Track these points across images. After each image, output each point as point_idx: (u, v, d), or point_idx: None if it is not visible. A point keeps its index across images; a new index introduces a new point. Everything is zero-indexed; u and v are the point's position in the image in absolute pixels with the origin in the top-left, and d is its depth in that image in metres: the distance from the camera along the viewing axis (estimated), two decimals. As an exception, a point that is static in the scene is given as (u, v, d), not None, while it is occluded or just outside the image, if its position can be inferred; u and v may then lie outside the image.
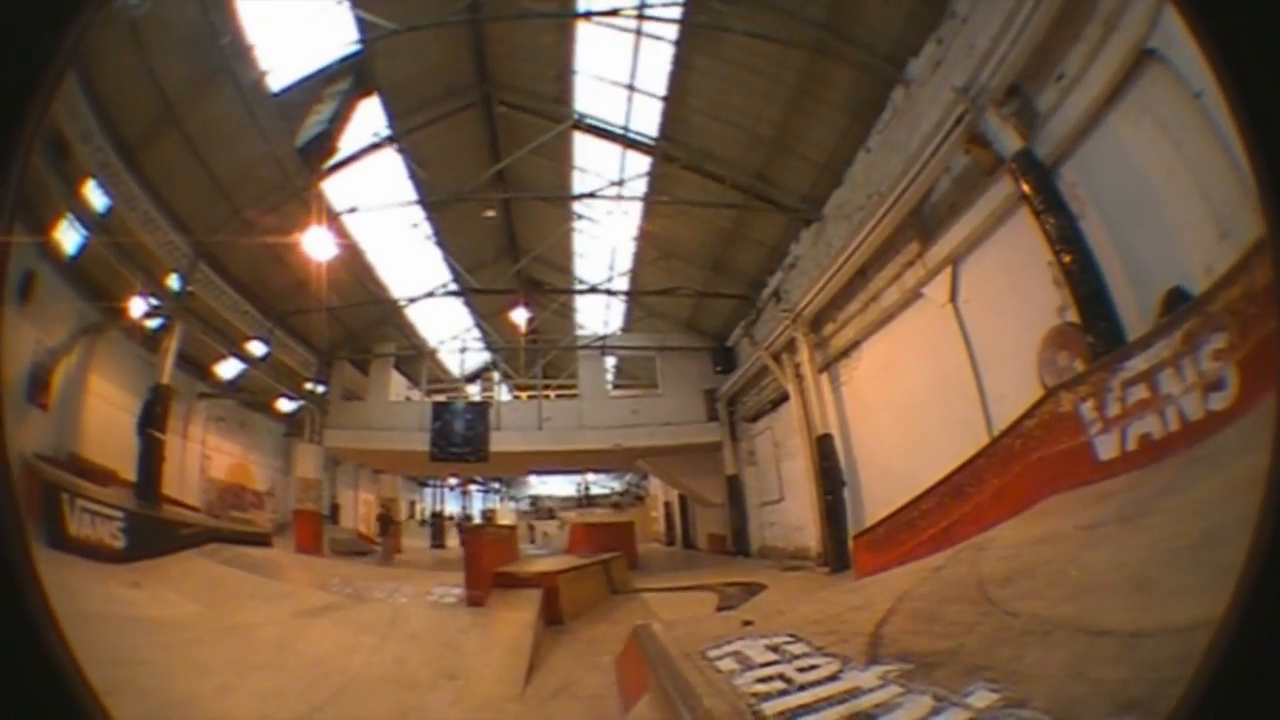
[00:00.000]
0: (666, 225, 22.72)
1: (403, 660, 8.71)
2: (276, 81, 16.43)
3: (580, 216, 25.48)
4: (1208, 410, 5.97)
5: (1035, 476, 8.36)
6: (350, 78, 17.91)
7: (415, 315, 28.92)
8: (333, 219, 19.08)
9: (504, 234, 28.80)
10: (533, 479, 54.85)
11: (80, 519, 11.40)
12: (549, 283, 31.03)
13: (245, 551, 16.25)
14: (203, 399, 21.32)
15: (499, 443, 26.40)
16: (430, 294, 26.72)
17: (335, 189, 19.90)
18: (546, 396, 29.92)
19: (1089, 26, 8.89)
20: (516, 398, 32.20)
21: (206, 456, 21.34)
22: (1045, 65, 9.74)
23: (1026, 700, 3.64)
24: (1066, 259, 9.19)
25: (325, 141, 18.12)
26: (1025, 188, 9.83)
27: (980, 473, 9.66)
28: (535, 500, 59.23)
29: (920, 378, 13.97)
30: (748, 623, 7.29)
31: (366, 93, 18.68)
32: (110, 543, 12.03)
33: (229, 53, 14.82)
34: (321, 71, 17.30)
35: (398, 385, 29.09)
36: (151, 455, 16.22)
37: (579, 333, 31.79)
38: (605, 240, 25.80)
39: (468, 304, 30.35)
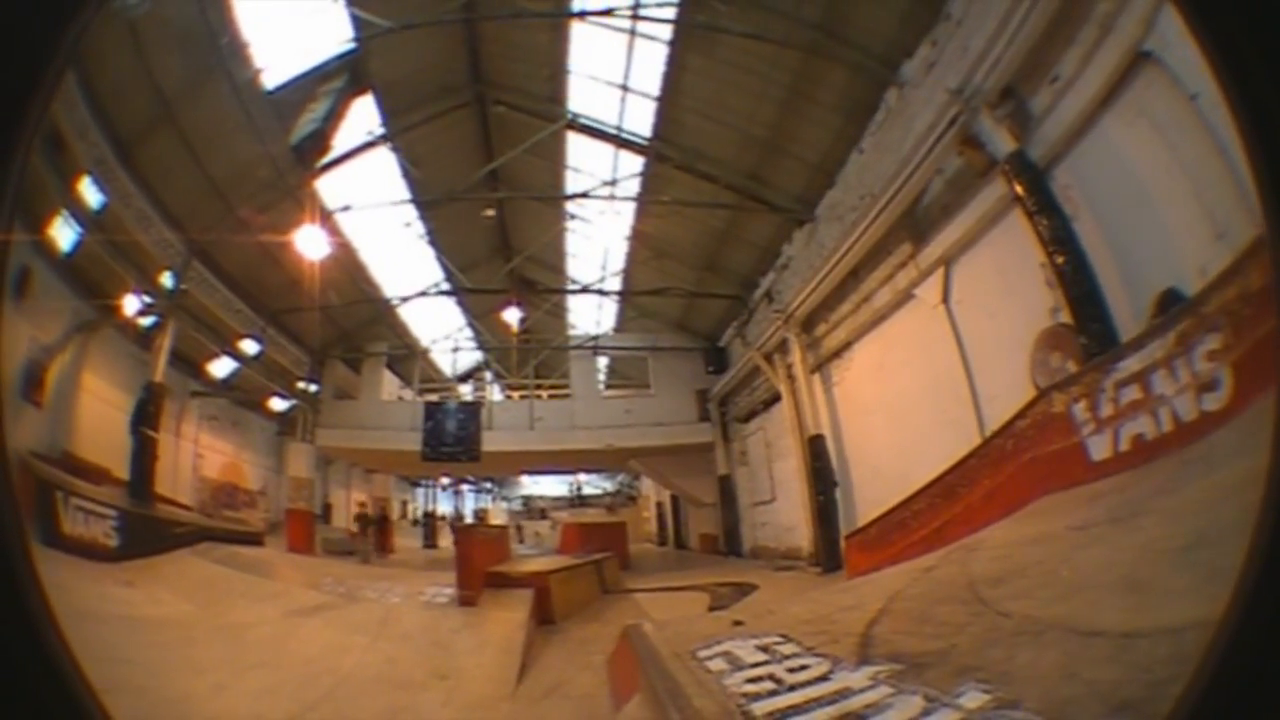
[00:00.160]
0: (659, 225, 22.69)
1: (395, 660, 8.70)
2: (271, 79, 16.40)
3: (573, 216, 25.46)
4: (1201, 411, 5.99)
5: (1027, 477, 8.38)
6: (345, 76, 17.86)
7: (408, 314, 28.87)
8: (326, 217, 19.02)
9: (497, 233, 28.75)
10: (525, 479, 54.78)
11: (74, 517, 11.33)
12: (542, 282, 30.99)
13: (238, 551, 16.20)
14: (196, 397, 21.23)
15: (491, 442, 26.35)
16: (423, 293, 26.69)
17: (329, 187, 19.84)
18: (539, 396, 29.90)
19: (1084, 29, 8.90)
20: (509, 397, 32.18)
21: (199, 455, 21.26)
22: (1040, 67, 9.76)
23: (1018, 701, 3.65)
24: (1059, 260, 9.22)
25: (319, 140, 18.06)
26: (1018, 189, 9.86)
27: (972, 473, 9.69)
28: (527, 500, 59.18)
29: (912, 378, 13.99)
30: (738, 623, 7.31)
31: (360, 91, 18.63)
32: (104, 541, 11.96)
33: (225, 50, 14.80)
34: (316, 69, 17.25)
35: (390, 384, 29.05)
36: (145, 454, 16.13)
37: (571, 333, 31.76)
38: (598, 240, 25.81)
39: (460, 303, 30.31)
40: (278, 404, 25.32)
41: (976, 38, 10.77)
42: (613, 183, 22.11)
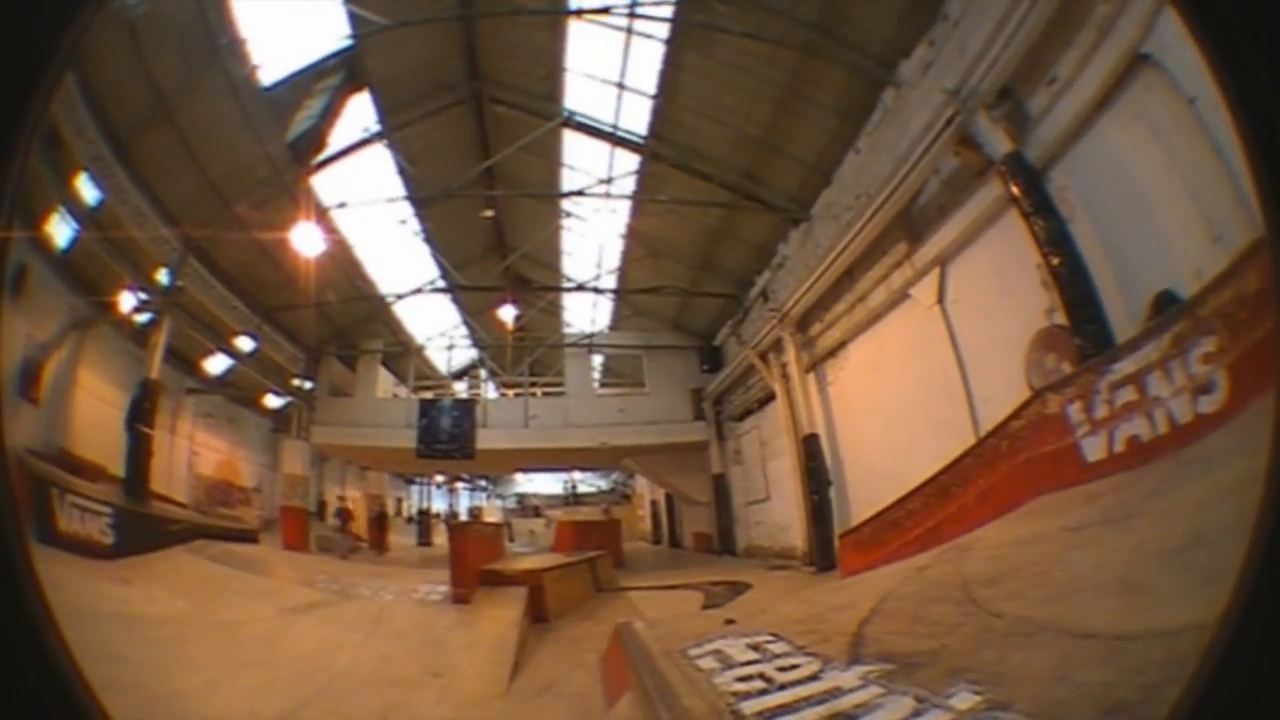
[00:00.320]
0: (654, 224, 22.70)
1: (388, 657, 8.70)
2: (268, 76, 16.33)
3: (569, 214, 25.46)
4: (1196, 413, 5.99)
5: (1021, 478, 8.39)
6: (341, 73, 17.86)
7: (403, 312, 28.83)
8: (321, 214, 19.01)
9: (492, 231, 28.69)
10: (519, 477, 54.67)
11: (70, 515, 11.29)
12: (537, 280, 30.99)
13: (232, 548, 16.16)
14: (191, 394, 21.16)
15: (485, 440, 26.29)
16: (418, 290, 26.66)
17: (325, 184, 19.82)
18: (533, 394, 29.81)
19: (1082, 31, 8.90)
20: (503, 395, 32.07)
21: (194, 452, 21.17)
22: (1037, 69, 9.75)
23: (1010, 703, 3.64)
24: (1055, 261, 9.22)
25: (315, 136, 18.06)
26: (1015, 190, 9.86)
27: (966, 473, 9.70)
28: (522, 498, 59.07)
29: (907, 378, 14.00)
30: (730, 621, 7.32)
31: (357, 88, 18.64)
32: (99, 539, 11.91)
33: (222, 47, 14.74)
34: (313, 66, 17.22)
35: (385, 382, 28.95)
36: (140, 451, 16.07)
37: (566, 331, 31.68)
38: (593, 238, 25.80)
39: (455, 301, 30.23)
40: (273, 401, 25.26)
41: (974, 38, 10.78)
42: (608, 181, 22.07)
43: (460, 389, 34.20)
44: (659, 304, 27.87)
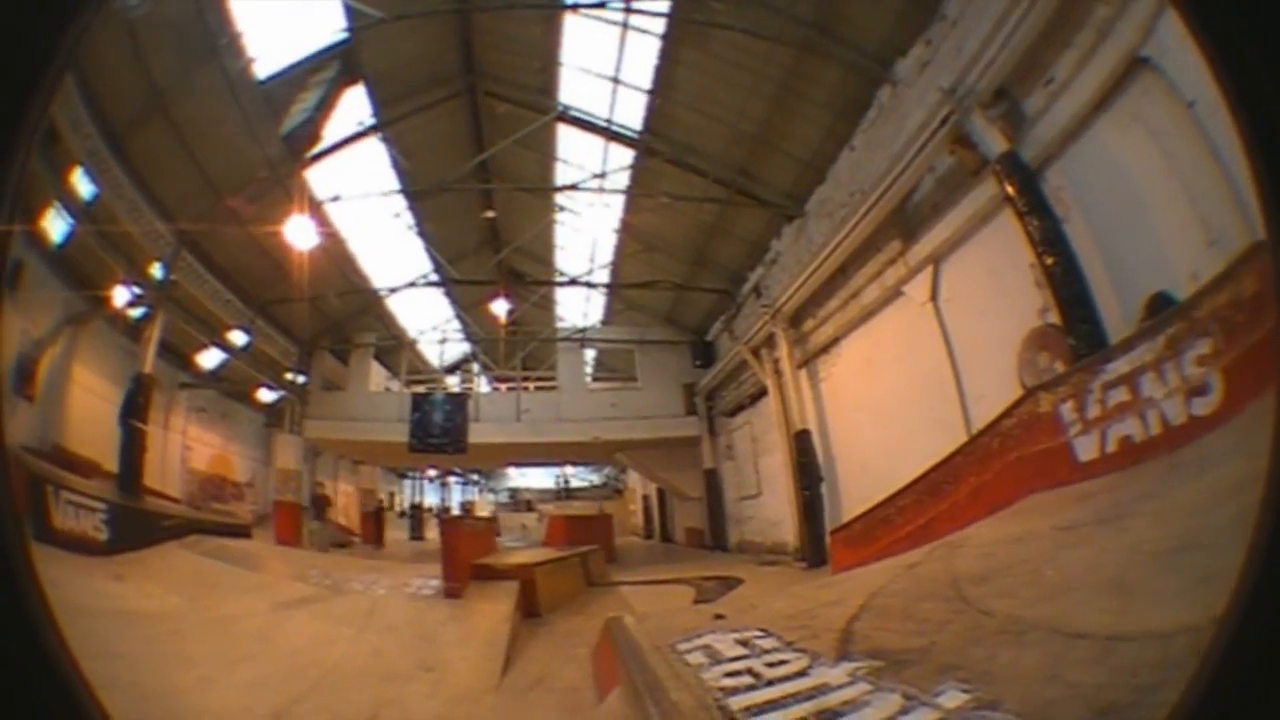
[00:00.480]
0: (648, 219, 22.66)
1: (381, 652, 8.68)
2: (264, 69, 16.26)
3: (562, 209, 25.45)
4: (1191, 415, 6.01)
5: (1013, 476, 8.41)
6: (336, 66, 17.81)
7: (396, 305, 28.83)
8: (315, 208, 18.97)
9: (486, 225, 28.72)
10: (512, 471, 54.73)
11: (65, 511, 11.24)
12: (530, 274, 31.02)
13: (226, 543, 16.12)
14: (184, 389, 21.13)
15: (478, 434, 26.28)
16: (411, 284, 26.65)
17: (319, 178, 19.78)
18: (525, 388, 29.83)
19: (1081, 33, 8.89)
20: (495, 389, 32.08)
21: (188, 447, 21.15)
22: (1035, 69, 9.75)
23: (999, 702, 3.62)
24: (1049, 261, 9.22)
25: (310, 130, 18.02)
26: (1009, 190, 9.85)
27: (958, 471, 9.71)
28: (515, 493, 59.15)
29: (899, 376, 14.04)
30: (719, 616, 7.34)
31: (352, 81, 18.59)
32: (94, 535, 11.84)
33: (218, 39, 14.69)
34: (308, 59, 17.16)
35: (377, 376, 28.92)
36: (133, 446, 16.06)
37: (559, 325, 31.67)
38: (586, 233, 25.77)
39: (448, 295, 30.25)
40: (266, 395, 25.26)
41: (972, 38, 10.77)
42: (602, 175, 22.07)
43: (453, 383, 34.17)
44: (652, 299, 27.90)
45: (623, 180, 22.08)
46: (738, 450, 25.02)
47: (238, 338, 21.57)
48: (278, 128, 17.40)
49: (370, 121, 20.28)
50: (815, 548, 16.26)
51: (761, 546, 21.59)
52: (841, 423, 16.82)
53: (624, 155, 21.46)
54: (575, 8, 17.13)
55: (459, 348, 34.88)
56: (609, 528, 25.53)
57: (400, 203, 22.90)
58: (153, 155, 15.84)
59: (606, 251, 26.83)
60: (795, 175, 17.90)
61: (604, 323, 30.91)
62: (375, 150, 21.18)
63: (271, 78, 16.55)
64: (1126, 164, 8.45)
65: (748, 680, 4.83)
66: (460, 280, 27.51)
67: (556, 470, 53.98)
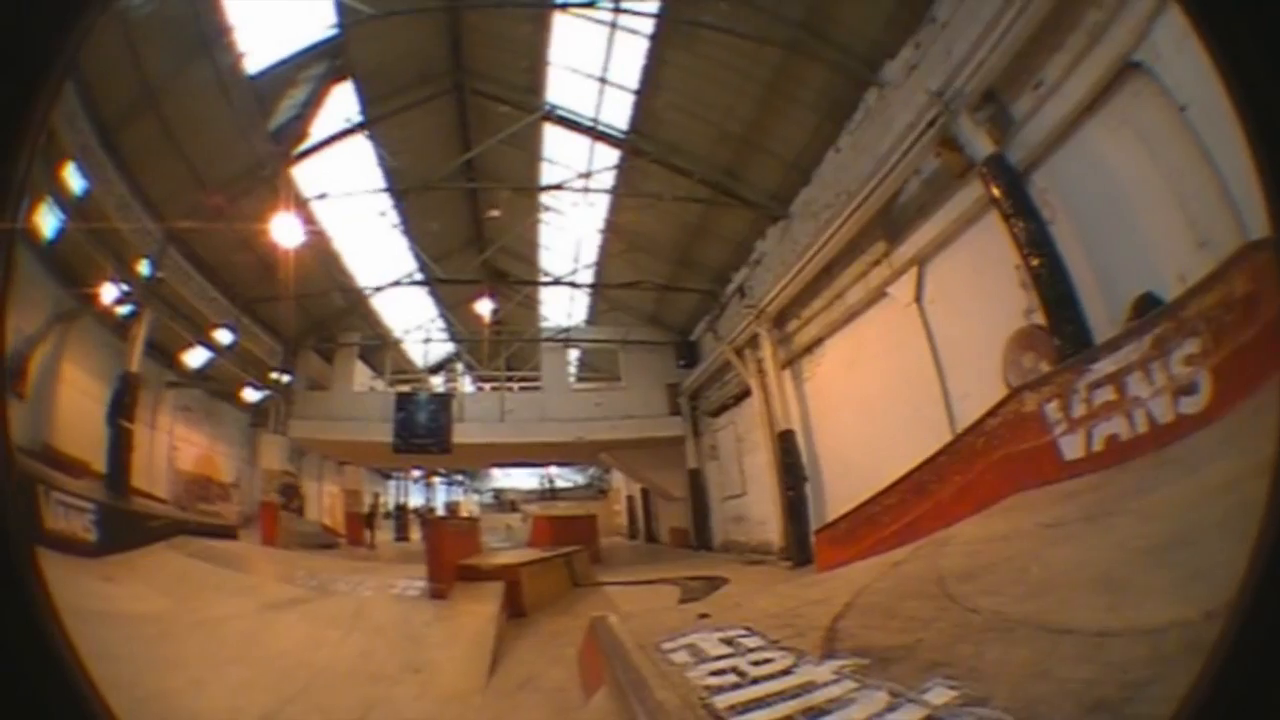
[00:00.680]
0: (633, 219, 22.68)
1: (368, 653, 8.65)
2: (254, 65, 16.17)
3: (547, 208, 25.43)
4: (1178, 414, 6.05)
5: (998, 474, 8.44)
6: (326, 62, 17.75)
7: (380, 304, 28.74)
8: (301, 205, 18.89)
9: (470, 224, 28.68)
10: (496, 472, 54.61)
11: (56, 512, 11.13)
12: (514, 274, 30.97)
13: (212, 544, 15.99)
14: (170, 388, 21.01)
15: (462, 434, 26.19)
16: (396, 283, 26.57)
17: (305, 175, 19.71)
18: (509, 388, 29.78)
19: (1073, 36, 8.92)
20: (480, 389, 32.02)
21: (174, 447, 21.02)
22: (1023, 73, 9.78)
23: (987, 698, 3.61)
24: (1035, 263, 9.25)
25: (298, 126, 17.95)
26: (995, 192, 9.89)
27: (942, 470, 9.75)
28: (499, 493, 59.04)
29: (884, 376, 14.10)
30: (704, 616, 7.34)
31: (340, 78, 18.53)
32: (84, 536, 11.69)
33: (210, 34, 14.62)
34: (298, 55, 17.09)
35: (362, 375, 28.84)
36: (121, 446, 15.97)
37: (543, 325, 31.63)
38: (571, 232, 25.75)
39: (433, 294, 30.19)
40: (251, 394, 25.13)
41: (960, 41, 10.78)
42: (588, 175, 22.06)
43: (437, 383, 34.10)
44: (636, 299, 27.91)
45: (608, 180, 22.09)
46: (722, 450, 25.06)
47: (223, 336, 21.43)
48: (266, 124, 17.31)
49: (358, 118, 20.21)
50: (800, 547, 16.29)
51: (746, 546, 21.62)
52: (826, 422, 16.88)
53: (610, 155, 21.46)
54: (564, 7, 17.12)
55: (443, 347, 34.79)
56: (594, 528, 25.53)
57: (386, 201, 22.82)
58: (142, 151, 15.74)
59: (591, 251, 26.83)
60: (781, 176, 17.93)
61: (588, 323, 30.95)
62: (362, 147, 21.10)
63: (262, 73, 16.46)
64: (1114, 167, 8.50)
65: (733, 679, 4.81)
66: (445, 279, 27.44)
67: (541, 471, 53.90)
